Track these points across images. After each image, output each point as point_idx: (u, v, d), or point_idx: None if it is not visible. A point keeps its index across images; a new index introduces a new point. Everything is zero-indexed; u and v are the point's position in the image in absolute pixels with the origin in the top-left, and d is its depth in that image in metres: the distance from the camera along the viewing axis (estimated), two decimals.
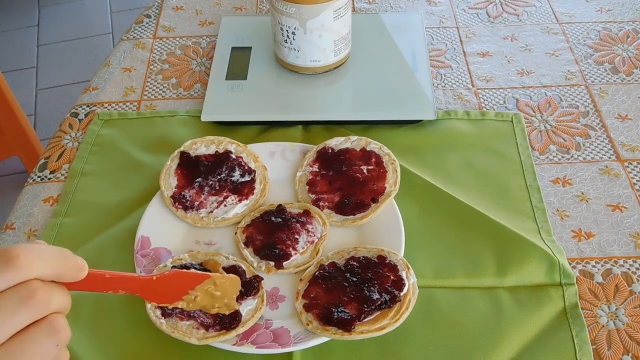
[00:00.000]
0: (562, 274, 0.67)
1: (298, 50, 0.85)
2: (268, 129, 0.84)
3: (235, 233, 0.70)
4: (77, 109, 0.90)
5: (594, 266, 0.69)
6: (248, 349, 0.60)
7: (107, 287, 0.46)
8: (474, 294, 0.66)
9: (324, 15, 0.81)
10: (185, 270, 0.56)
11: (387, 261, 0.64)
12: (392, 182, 0.72)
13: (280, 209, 0.70)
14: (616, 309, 0.65)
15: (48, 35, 2.42)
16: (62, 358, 0.40)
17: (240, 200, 0.72)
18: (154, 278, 0.50)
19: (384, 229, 0.69)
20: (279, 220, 0.69)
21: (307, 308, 0.62)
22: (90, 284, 0.44)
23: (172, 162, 0.75)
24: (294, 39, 0.84)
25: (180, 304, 0.53)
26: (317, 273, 0.64)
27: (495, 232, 0.70)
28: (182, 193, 0.72)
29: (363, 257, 0.65)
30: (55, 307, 0.39)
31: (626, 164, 0.79)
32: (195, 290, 0.53)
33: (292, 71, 0.89)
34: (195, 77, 0.93)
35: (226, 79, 0.89)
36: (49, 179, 0.80)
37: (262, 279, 0.65)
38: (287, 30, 0.83)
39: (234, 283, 0.58)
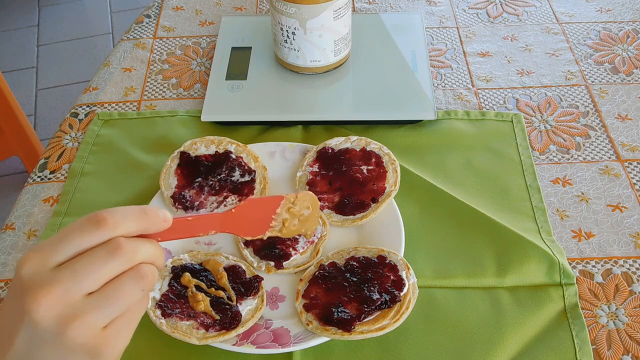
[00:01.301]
0: (562, 274, 0.67)
1: (298, 50, 0.85)
2: (268, 129, 0.84)
3: None
4: (77, 109, 0.90)
5: (594, 266, 0.69)
6: (248, 349, 0.60)
7: (195, 231, 0.49)
8: (474, 294, 0.66)
9: (324, 15, 0.81)
10: (256, 197, 0.56)
11: (387, 261, 0.64)
12: (392, 182, 0.72)
13: None
14: (616, 309, 0.65)
15: (48, 35, 2.42)
16: (144, 303, 0.45)
17: (240, 200, 0.72)
18: (233, 210, 0.52)
19: (384, 229, 0.69)
20: None
21: (307, 308, 0.62)
22: (179, 232, 0.47)
23: (172, 162, 0.75)
24: (294, 39, 0.84)
25: (273, 233, 0.54)
26: (317, 273, 0.64)
27: (495, 232, 0.70)
28: (182, 193, 0.72)
29: (363, 257, 0.65)
30: (141, 257, 0.44)
31: (626, 164, 0.79)
32: (278, 215, 0.54)
33: (292, 71, 0.89)
34: (195, 77, 0.93)
35: (226, 79, 0.89)
36: (49, 179, 0.80)
37: (262, 279, 0.65)
38: (287, 30, 0.83)
39: (309, 195, 0.58)
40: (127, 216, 0.44)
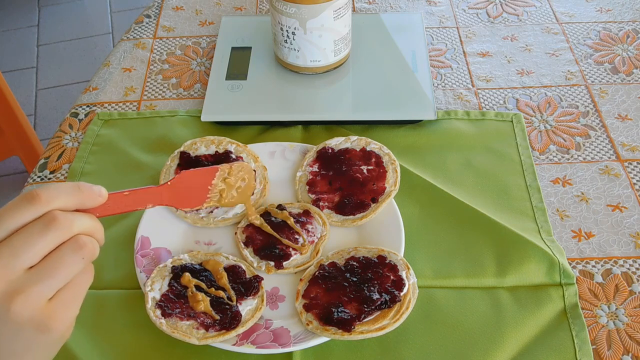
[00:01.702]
0: (562, 274, 0.67)
1: (298, 50, 0.85)
2: (268, 129, 0.84)
3: (235, 233, 0.70)
4: (77, 109, 0.90)
5: (594, 266, 0.69)
6: (248, 349, 0.60)
7: (134, 205, 0.50)
8: (474, 294, 0.66)
9: (324, 15, 0.81)
10: (189, 169, 0.56)
11: (387, 261, 0.64)
12: (392, 182, 0.72)
13: (280, 209, 0.70)
14: (616, 309, 0.65)
15: (48, 35, 2.42)
16: (88, 272, 0.46)
17: None
18: (169, 183, 0.53)
19: (384, 229, 0.69)
20: (280, 221, 0.69)
21: (307, 308, 0.62)
22: (115, 206, 0.48)
23: (172, 162, 0.75)
24: (294, 39, 0.84)
25: (211, 203, 0.55)
26: (317, 273, 0.64)
27: (495, 232, 0.70)
28: None
29: (363, 257, 0.65)
30: (78, 229, 0.45)
31: (626, 164, 0.79)
32: (214, 185, 0.55)
33: (292, 71, 0.89)
34: (195, 77, 0.93)
35: (226, 79, 0.89)
36: (49, 179, 0.80)
37: (262, 279, 0.65)
38: (287, 30, 0.83)
39: (244, 166, 0.58)
40: (61, 191, 0.44)
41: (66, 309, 0.44)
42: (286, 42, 0.85)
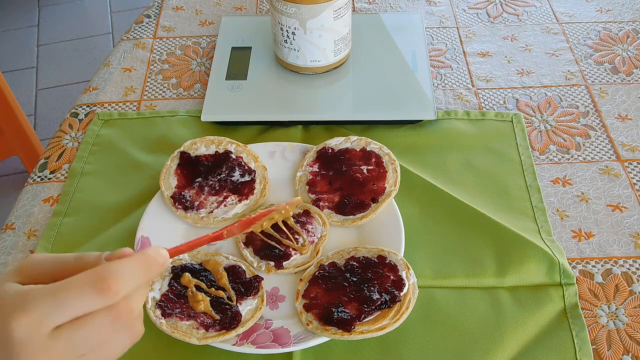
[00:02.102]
0: (562, 274, 0.67)
1: (298, 50, 0.85)
2: (268, 129, 0.84)
3: None
4: (77, 109, 0.90)
5: (594, 266, 0.69)
6: (248, 349, 0.60)
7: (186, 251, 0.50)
8: (474, 294, 0.66)
9: (324, 15, 0.81)
10: (250, 217, 0.57)
11: (387, 261, 0.64)
12: (392, 182, 0.72)
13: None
14: (616, 309, 0.65)
15: (48, 35, 2.42)
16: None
17: (240, 200, 0.72)
18: (224, 234, 0.55)
19: (384, 229, 0.69)
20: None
21: (307, 308, 0.62)
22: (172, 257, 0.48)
23: (172, 162, 0.75)
24: (294, 39, 0.84)
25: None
26: (317, 273, 0.64)
27: (495, 232, 0.70)
28: (182, 193, 0.72)
29: (363, 257, 0.65)
30: (138, 311, 0.44)
31: (626, 164, 0.79)
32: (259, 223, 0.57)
33: (292, 71, 0.89)
34: (195, 77, 0.93)
35: (226, 79, 0.89)
36: (49, 179, 0.80)
37: (262, 279, 0.65)
38: (287, 30, 0.83)
39: (294, 204, 0.60)
40: (132, 278, 0.42)
41: None
42: (286, 42, 0.85)
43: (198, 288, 0.62)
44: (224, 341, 0.60)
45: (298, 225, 0.68)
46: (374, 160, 0.74)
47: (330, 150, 0.75)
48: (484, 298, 0.66)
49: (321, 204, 0.72)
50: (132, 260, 0.43)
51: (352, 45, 0.91)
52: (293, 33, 0.83)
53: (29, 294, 0.40)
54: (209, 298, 0.62)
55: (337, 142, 0.76)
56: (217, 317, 0.60)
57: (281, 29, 0.84)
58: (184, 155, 0.75)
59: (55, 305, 0.39)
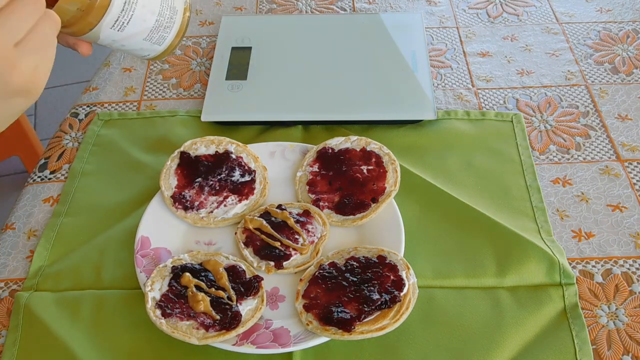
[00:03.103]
0: (562, 274, 0.67)
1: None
2: (268, 129, 0.84)
3: (235, 233, 0.70)
4: (77, 109, 0.90)
5: (594, 266, 0.69)
6: (248, 349, 0.60)
7: None
8: (474, 294, 0.66)
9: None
10: None
11: (387, 261, 0.64)
12: (392, 182, 0.72)
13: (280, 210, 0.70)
14: (616, 309, 0.65)
15: None
16: (49, 17, 0.47)
17: (240, 200, 0.72)
18: None
19: (384, 229, 0.69)
20: (280, 221, 0.69)
21: (307, 308, 0.62)
22: None
23: (172, 162, 0.75)
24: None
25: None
26: (317, 273, 0.64)
27: (495, 232, 0.70)
28: (182, 193, 0.72)
29: (363, 257, 0.65)
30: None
31: (626, 164, 0.79)
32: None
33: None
34: (195, 77, 0.93)
35: (226, 79, 0.89)
36: (49, 179, 0.80)
37: (262, 279, 0.65)
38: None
39: None
40: None
41: (32, 55, 0.46)
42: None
43: (198, 288, 0.62)
44: (224, 341, 0.60)
45: (298, 225, 0.68)
46: (374, 160, 0.74)
47: (330, 150, 0.75)
48: (484, 298, 0.66)
49: (321, 204, 0.72)
50: None
51: (352, 45, 0.91)
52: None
53: None
54: (209, 298, 0.62)
55: (337, 142, 0.76)
56: (217, 317, 0.60)
57: None
58: (184, 155, 0.75)
59: None
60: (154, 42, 0.59)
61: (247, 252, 0.68)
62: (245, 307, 0.62)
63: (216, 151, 0.75)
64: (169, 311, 0.61)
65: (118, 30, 0.56)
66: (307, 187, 0.73)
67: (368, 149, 0.75)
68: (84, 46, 0.60)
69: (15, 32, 0.45)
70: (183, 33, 0.61)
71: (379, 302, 0.60)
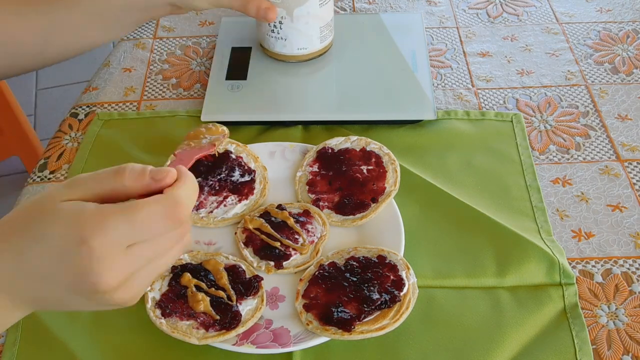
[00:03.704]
0: (562, 274, 0.67)
1: (285, 39, 0.86)
2: (268, 129, 0.84)
3: (235, 233, 0.70)
4: (77, 109, 0.90)
5: (594, 266, 0.69)
6: (248, 349, 0.60)
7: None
8: (474, 294, 0.66)
9: (310, 3, 0.82)
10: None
11: (387, 261, 0.64)
12: (392, 182, 0.72)
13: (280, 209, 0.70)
14: (616, 309, 0.65)
15: None
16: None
17: (240, 200, 0.72)
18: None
19: (384, 229, 0.69)
20: (280, 221, 0.69)
21: (307, 308, 0.62)
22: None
23: (172, 163, 0.74)
24: (280, 28, 0.85)
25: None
26: (317, 273, 0.64)
27: (495, 232, 0.70)
28: None
29: (363, 257, 0.65)
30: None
31: (626, 164, 0.79)
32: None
33: (279, 60, 0.90)
34: (195, 77, 0.93)
35: (226, 79, 0.89)
36: (49, 179, 0.80)
37: (262, 279, 0.65)
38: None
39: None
40: (192, 201, 0.48)
41: (144, 288, 0.48)
42: (273, 32, 0.86)
43: (198, 288, 0.62)
44: (224, 341, 0.60)
45: (298, 225, 0.68)
46: (374, 160, 0.74)
47: (330, 150, 0.75)
48: (484, 298, 0.66)
49: (321, 204, 0.72)
50: (188, 181, 0.48)
51: (352, 46, 0.91)
52: (280, 22, 0.84)
53: (104, 212, 0.44)
54: (209, 298, 0.62)
55: (337, 142, 0.76)
56: (217, 317, 0.60)
57: None
58: None
59: (131, 228, 0.44)
60: None
61: (247, 252, 0.68)
62: (245, 307, 0.62)
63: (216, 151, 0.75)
64: (168, 311, 0.61)
65: None
66: (307, 187, 0.73)
67: (368, 149, 0.75)
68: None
69: (151, 260, 0.47)
70: None
71: (379, 302, 0.60)
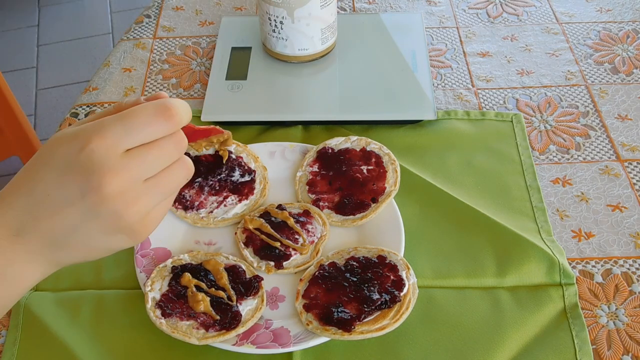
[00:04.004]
0: (562, 274, 0.67)
1: (286, 40, 0.86)
2: (268, 129, 0.84)
3: (235, 233, 0.70)
4: (77, 109, 0.90)
5: (594, 266, 0.69)
6: (248, 349, 0.60)
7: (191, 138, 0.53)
8: (474, 294, 0.66)
9: (311, 4, 0.82)
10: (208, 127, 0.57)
11: (387, 261, 0.64)
12: (392, 182, 0.72)
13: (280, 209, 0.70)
14: (616, 309, 0.65)
15: (48, 35, 2.42)
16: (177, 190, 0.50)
17: (240, 200, 0.72)
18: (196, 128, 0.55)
19: (384, 229, 0.69)
20: (280, 221, 0.69)
21: (307, 308, 0.62)
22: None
23: None
24: (282, 29, 0.85)
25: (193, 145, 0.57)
26: (317, 273, 0.64)
27: (495, 232, 0.70)
28: (182, 193, 0.72)
29: (363, 257, 0.65)
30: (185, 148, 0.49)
31: (626, 164, 0.79)
32: (203, 140, 0.56)
33: (281, 60, 0.90)
34: (195, 77, 0.93)
35: (226, 79, 0.89)
36: None
37: (262, 279, 0.65)
38: (275, 20, 0.84)
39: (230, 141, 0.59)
40: (186, 112, 0.48)
41: (156, 222, 0.48)
42: (274, 32, 0.86)
43: (198, 288, 0.63)
44: (224, 341, 0.60)
45: (298, 225, 0.68)
46: (374, 160, 0.74)
47: (330, 150, 0.75)
48: (484, 298, 0.66)
49: (321, 204, 0.72)
50: (179, 100, 0.48)
51: (352, 46, 0.91)
52: (281, 22, 0.84)
53: (102, 121, 0.45)
54: (209, 298, 0.62)
55: (337, 142, 0.76)
56: (217, 317, 0.60)
57: (269, 18, 0.85)
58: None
59: (126, 129, 0.45)
60: None
61: (247, 252, 0.68)
62: (245, 307, 0.62)
63: (216, 151, 0.75)
64: (168, 311, 0.61)
65: None
66: (307, 187, 0.73)
67: (368, 149, 0.75)
68: None
69: (150, 169, 0.46)
70: None
71: (379, 302, 0.60)
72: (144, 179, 0.46)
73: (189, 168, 0.49)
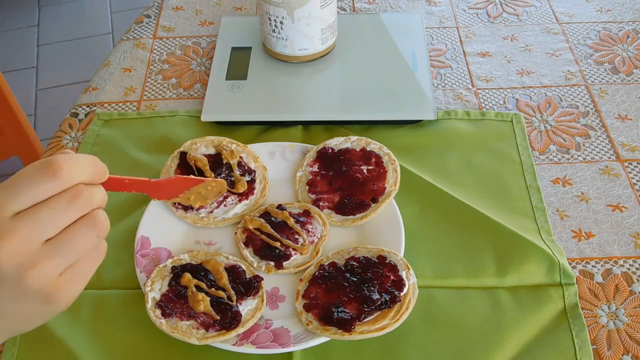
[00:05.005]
0: (562, 274, 0.67)
1: (286, 40, 0.86)
2: (268, 129, 0.84)
3: (235, 233, 0.70)
4: (77, 109, 0.90)
5: (594, 266, 0.69)
6: (248, 349, 0.60)
7: (123, 188, 0.52)
8: (474, 294, 0.66)
9: (311, 4, 0.83)
10: (185, 176, 0.58)
11: (387, 261, 0.64)
12: (392, 182, 0.72)
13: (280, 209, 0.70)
14: (616, 309, 0.65)
15: (48, 35, 2.42)
16: (101, 248, 0.47)
17: (240, 200, 0.72)
18: (161, 182, 0.54)
19: (384, 229, 0.69)
20: (280, 221, 0.69)
21: (307, 308, 0.62)
22: (112, 185, 0.50)
23: (172, 162, 0.75)
24: (282, 29, 0.85)
25: (176, 200, 0.57)
26: (317, 273, 0.64)
27: (495, 232, 0.70)
28: None
29: (363, 257, 0.65)
30: (97, 203, 0.46)
31: (626, 164, 0.79)
32: (190, 191, 0.56)
33: (281, 60, 0.90)
34: (195, 77, 0.93)
35: (226, 79, 0.89)
36: None
37: (262, 279, 0.65)
38: (275, 20, 0.84)
39: (221, 187, 0.59)
40: (79, 164, 0.45)
41: (73, 285, 0.45)
42: (274, 32, 0.86)
43: (198, 288, 0.63)
44: (224, 341, 0.60)
45: (298, 225, 0.68)
46: (374, 160, 0.74)
47: (330, 150, 0.75)
48: (484, 298, 0.66)
49: (321, 204, 0.72)
50: (80, 154, 0.46)
51: (352, 46, 0.91)
52: (281, 22, 0.84)
53: None
54: (209, 298, 0.62)
55: (337, 142, 0.76)
56: (217, 317, 0.60)
57: (269, 18, 0.85)
58: (183, 155, 0.75)
59: (11, 193, 0.43)
60: None
61: (247, 252, 0.68)
62: (245, 307, 0.62)
63: (216, 151, 0.75)
64: (169, 311, 0.61)
65: None
66: (307, 187, 0.73)
67: (368, 149, 0.75)
68: None
69: (45, 228, 0.43)
70: None
71: (379, 302, 0.60)
72: (42, 240, 0.43)
73: (98, 224, 0.45)
